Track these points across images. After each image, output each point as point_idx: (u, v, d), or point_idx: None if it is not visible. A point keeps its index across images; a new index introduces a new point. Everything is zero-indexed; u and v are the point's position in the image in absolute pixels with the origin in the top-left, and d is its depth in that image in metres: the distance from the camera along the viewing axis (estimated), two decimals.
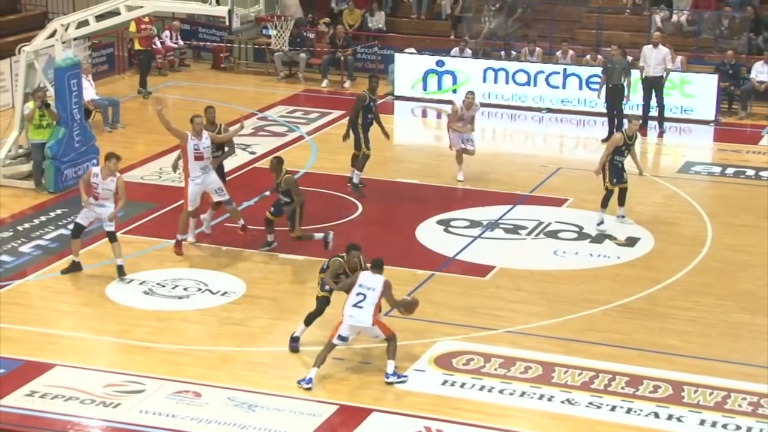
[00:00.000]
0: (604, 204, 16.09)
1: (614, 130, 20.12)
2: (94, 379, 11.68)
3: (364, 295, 11.74)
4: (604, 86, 20.84)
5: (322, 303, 12.45)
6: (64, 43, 17.85)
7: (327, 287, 12.43)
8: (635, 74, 21.73)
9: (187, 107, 23.34)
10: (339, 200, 17.46)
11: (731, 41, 24.44)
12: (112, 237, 14.25)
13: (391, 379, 11.70)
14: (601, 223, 16.07)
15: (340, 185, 17.92)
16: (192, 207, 15.06)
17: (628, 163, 16.25)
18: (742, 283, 14.46)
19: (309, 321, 12.52)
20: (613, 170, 15.96)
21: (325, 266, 12.54)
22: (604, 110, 21.01)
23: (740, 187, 18.49)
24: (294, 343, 12.50)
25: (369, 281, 11.85)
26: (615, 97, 20.66)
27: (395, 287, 13.99)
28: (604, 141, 16.79)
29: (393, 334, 11.86)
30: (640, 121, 18.34)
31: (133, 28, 23.70)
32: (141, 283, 14.16)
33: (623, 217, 16.33)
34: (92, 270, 14.59)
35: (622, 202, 16.27)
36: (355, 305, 11.71)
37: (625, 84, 20.73)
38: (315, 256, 15.19)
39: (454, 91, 23.18)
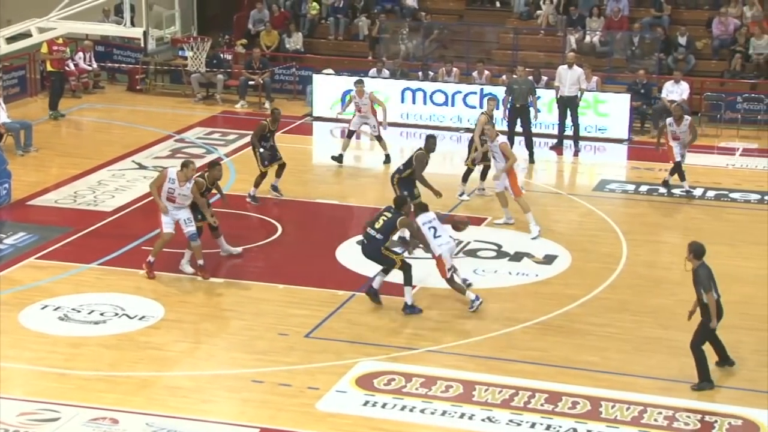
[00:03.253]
0: (465, 179, 18.61)
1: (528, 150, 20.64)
2: (8, 407, 11.39)
3: (435, 228, 14.01)
4: (508, 107, 21.05)
5: None
6: None
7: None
8: (550, 94, 22.10)
9: (102, 130, 23.13)
10: (258, 221, 17.38)
11: (642, 61, 24.95)
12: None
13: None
14: (462, 194, 18.52)
15: (259, 206, 17.87)
16: (168, 230, 14.84)
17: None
18: (657, 299, 14.70)
19: None
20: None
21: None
22: (507, 130, 20.98)
23: (654, 205, 18.83)
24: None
25: (425, 218, 14.06)
26: (521, 117, 20.92)
27: (314, 308, 14.03)
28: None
29: None
30: (496, 100, 19.75)
31: (44, 49, 23.34)
32: (56, 309, 13.90)
33: (483, 189, 18.67)
34: (5, 296, 14.28)
35: (483, 176, 18.66)
36: (436, 237, 13.93)
37: (531, 104, 20.98)
38: (233, 278, 15.10)
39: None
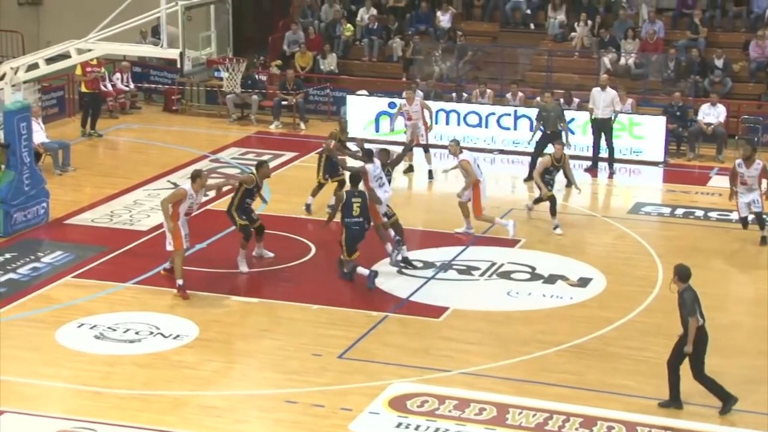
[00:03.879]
0: (553, 212, 18.01)
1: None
2: (44, 425, 11.49)
3: (381, 177, 16.10)
4: (539, 132, 20.85)
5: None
6: (14, 86, 17.71)
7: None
8: (585, 116, 22.06)
9: (139, 150, 23.31)
10: (292, 242, 17.42)
11: (678, 83, 24.85)
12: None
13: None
14: (556, 228, 17.98)
15: (293, 227, 17.92)
16: (186, 245, 15.07)
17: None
18: None
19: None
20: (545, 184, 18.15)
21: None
22: (534, 152, 20.83)
23: (690, 228, 18.70)
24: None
25: (376, 170, 16.06)
26: (554, 144, 20.73)
27: (347, 329, 14.04)
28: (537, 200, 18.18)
29: None
30: (564, 145, 19.06)
31: (78, 71, 23.54)
32: (92, 327, 13.99)
33: (556, 227, 17.92)
34: (42, 315, 14.40)
35: (553, 212, 17.94)
36: (381, 186, 16.00)
37: (562, 129, 20.78)
38: (267, 298, 15.14)
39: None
